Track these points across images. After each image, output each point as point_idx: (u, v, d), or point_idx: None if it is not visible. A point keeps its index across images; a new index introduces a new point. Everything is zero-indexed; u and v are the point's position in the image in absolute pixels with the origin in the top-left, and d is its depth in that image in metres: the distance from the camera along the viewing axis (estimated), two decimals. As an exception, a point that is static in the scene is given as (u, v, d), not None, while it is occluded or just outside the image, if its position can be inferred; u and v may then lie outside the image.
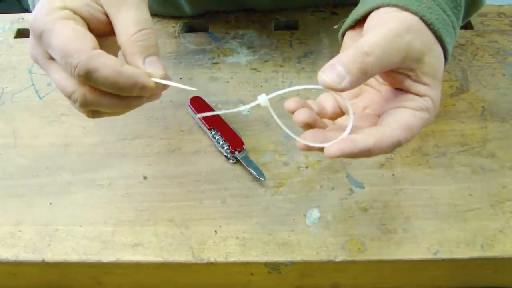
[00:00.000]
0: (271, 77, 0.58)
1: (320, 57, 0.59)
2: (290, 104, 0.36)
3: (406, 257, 0.44)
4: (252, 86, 0.57)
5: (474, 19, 0.63)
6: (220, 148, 0.50)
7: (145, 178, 0.50)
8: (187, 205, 0.47)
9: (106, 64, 0.33)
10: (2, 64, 0.60)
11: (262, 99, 0.35)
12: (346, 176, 0.49)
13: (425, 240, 0.44)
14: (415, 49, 0.34)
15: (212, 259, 0.44)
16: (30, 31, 0.36)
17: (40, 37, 0.35)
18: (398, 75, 0.36)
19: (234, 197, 0.48)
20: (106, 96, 0.36)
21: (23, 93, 0.57)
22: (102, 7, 0.37)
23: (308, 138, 0.35)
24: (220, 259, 0.44)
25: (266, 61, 0.59)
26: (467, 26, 0.62)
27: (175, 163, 0.50)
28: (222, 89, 0.56)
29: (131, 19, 0.36)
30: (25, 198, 0.48)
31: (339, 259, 0.44)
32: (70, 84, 0.35)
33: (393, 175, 0.49)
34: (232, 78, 0.58)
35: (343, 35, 0.41)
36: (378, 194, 0.48)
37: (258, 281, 0.47)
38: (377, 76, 0.39)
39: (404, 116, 0.35)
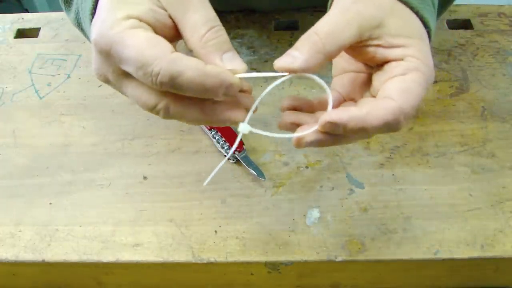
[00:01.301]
0: (271, 77, 0.57)
1: (320, 57, 0.59)
2: (284, 102, 0.37)
3: (406, 257, 0.44)
4: (252, 86, 0.57)
5: (474, 19, 0.63)
6: (220, 148, 0.50)
7: (145, 178, 0.49)
8: (187, 205, 0.47)
9: (189, 66, 0.31)
10: (2, 64, 0.61)
11: (243, 128, 0.34)
12: (346, 176, 0.49)
13: (425, 240, 0.44)
14: (368, 17, 0.34)
15: (212, 259, 0.44)
16: (95, 49, 0.34)
17: (109, 53, 0.33)
18: (367, 48, 0.35)
19: (234, 197, 0.48)
20: (189, 105, 0.34)
21: (23, 93, 0.57)
22: (165, 10, 0.34)
23: (299, 131, 0.35)
24: (220, 259, 0.44)
25: (266, 61, 0.59)
26: (467, 26, 0.62)
27: (175, 163, 0.50)
28: (222, 89, 0.56)
29: (198, 19, 0.34)
30: (25, 198, 0.48)
31: (339, 259, 0.44)
32: (151, 96, 0.33)
33: (393, 175, 0.49)
34: (232, 78, 0.58)
35: None
36: (378, 194, 0.48)
37: (258, 281, 0.47)
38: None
39: (396, 83, 0.34)
